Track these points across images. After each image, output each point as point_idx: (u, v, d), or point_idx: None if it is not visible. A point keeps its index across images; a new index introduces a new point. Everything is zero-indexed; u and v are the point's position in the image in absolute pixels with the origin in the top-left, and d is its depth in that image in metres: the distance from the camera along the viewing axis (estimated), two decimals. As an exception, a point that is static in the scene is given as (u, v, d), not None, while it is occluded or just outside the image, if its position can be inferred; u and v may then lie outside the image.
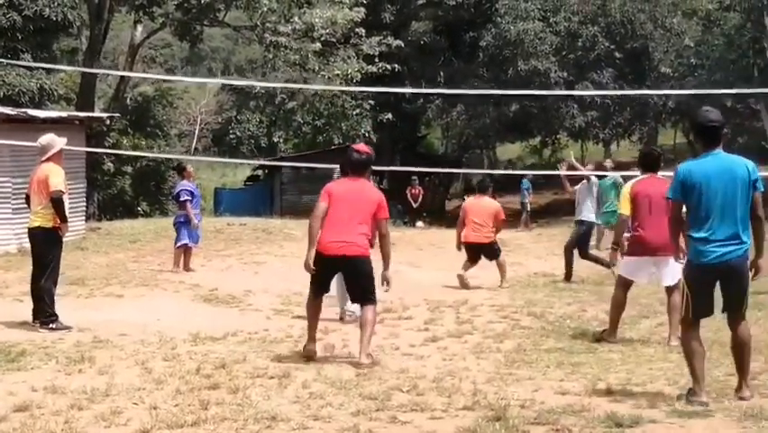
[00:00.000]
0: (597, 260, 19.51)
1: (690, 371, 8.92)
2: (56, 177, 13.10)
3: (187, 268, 19.72)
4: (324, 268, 10.89)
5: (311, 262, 10.84)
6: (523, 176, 40.77)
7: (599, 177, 23.25)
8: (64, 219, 13.25)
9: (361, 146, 11.70)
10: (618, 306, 12.58)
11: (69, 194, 21.57)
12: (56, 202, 13.06)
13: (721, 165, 8.94)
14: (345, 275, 11.20)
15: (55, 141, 13.54)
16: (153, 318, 13.88)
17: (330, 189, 11.11)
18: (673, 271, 11.97)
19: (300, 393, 9.04)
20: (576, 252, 19.32)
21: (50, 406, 8.35)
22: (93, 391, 8.90)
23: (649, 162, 12.87)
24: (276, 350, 11.30)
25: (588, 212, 19.58)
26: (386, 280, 11.21)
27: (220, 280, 18.42)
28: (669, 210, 9.46)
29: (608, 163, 26.14)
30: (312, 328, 11.07)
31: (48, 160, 13.34)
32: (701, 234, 8.87)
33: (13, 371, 10.06)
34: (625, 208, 12.46)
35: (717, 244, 8.82)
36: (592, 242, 23.41)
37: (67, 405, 8.38)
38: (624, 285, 12.63)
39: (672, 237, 9.56)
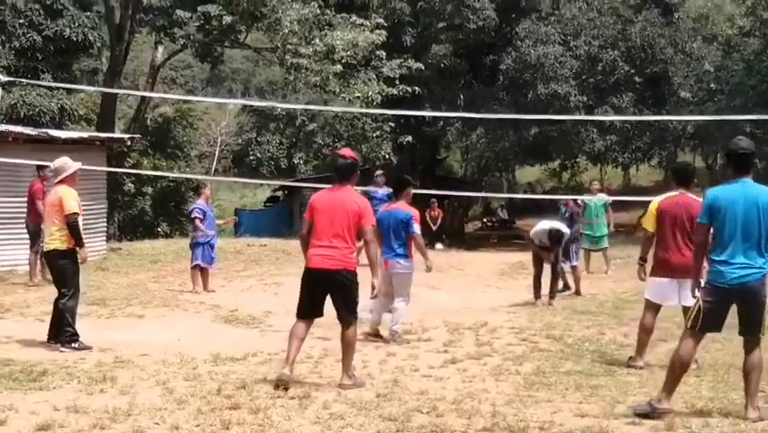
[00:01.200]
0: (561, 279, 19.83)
1: (666, 380, 9.41)
2: (70, 200, 13.19)
3: (206, 289, 19.83)
4: (310, 283, 10.79)
5: None
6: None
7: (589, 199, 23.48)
8: (81, 244, 13.34)
9: (346, 151, 11.69)
10: (646, 329, 12.43)
11: (90, 215, 21.87)
12: (72, 226, 13.16)
13: (747, 192, 9.29)
14: (329, 290, 10.81)
15: (68, 163, 13.62)
16: (174, 339, 13.95)
17: (312, 203, 11.03)
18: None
19: (321, 414, 9.10)
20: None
21: (73, 425, 8.42)
22: (115, 411, 8.97)
23: (682, 177, 12.65)
24: (296, 370, 11.32)
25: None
26: (373, 288, 11.16)
27: (240, 300, 18.49)
28: (696, 234, 9.83)
29: (596, 185, 26.34)
30: (291, 351, 10.73)
31: (61, 182, 13.44)
32: (722, 257, 9.23)
33: (35, 390, 10.14)
34: (649, 225, 12.33)
35: (737, 266, 9.16)
36: (582, 266, 23.56)
37: (89, 425, 8.45)
38: (652, 308, 12.43)
39: (696, 260, 9.87)
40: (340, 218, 10.70)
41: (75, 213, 13.16)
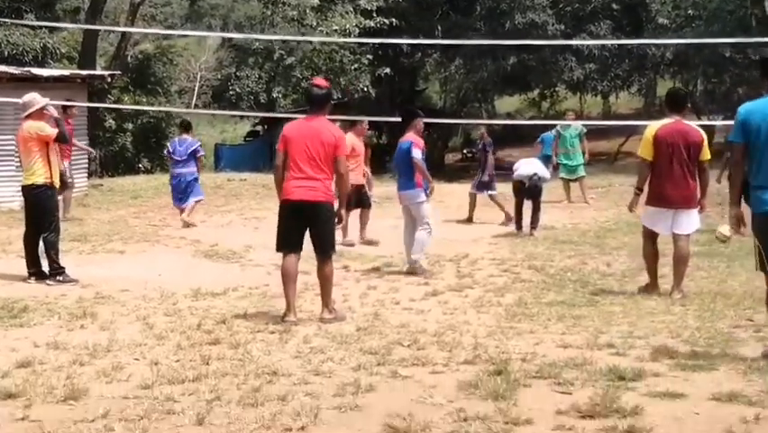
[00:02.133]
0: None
1: None
2: (45, 128, 13.26)
3: (180, 217, 20.11)
4: (289, 215, 10.67)
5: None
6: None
7: (564, 126, 23.50)
8: (65, 140, 13.83)
9: (320, 80, 11.59)
10: (650, 257, 12.34)
11: (73, 150, 21.77)
12: (61, 136, 13.38)
13: None
14: (307, 223, 10.67)
15: (36, 99, 13.59)
16: (155, 274, 13.90)
17: (286, 134, 10.78)
18: (690, 220, 11.94)
19: (301, 348, 9.05)
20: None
21: (53, 362, 8.36)
22: (95, 347, 8.91)
23: (676, 101, 12.51)
24: (277, 305, 11.26)
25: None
26: (339, 217, 11.17)
27: (220, 235, 18.43)
28: (732, 154, 9.22)
29: (571, 114, 26.32)
30: (289, 295, 10.66)
31: (28, 117, 13.37)
32: (761, 182, 8.55)
33: (15, 327, 10.09)
34: (646, 153, 12.07)
35: None
36: (563, 196, 23.75)
37: (69, 361, 8.40)
38: (649, 236, 12.36)
39: (732, 185, 9.21)
40: (316, 149, 10.52)
41: (59, 132, 13.35)
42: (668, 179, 11.91)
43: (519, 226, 18.94)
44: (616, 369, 7.86)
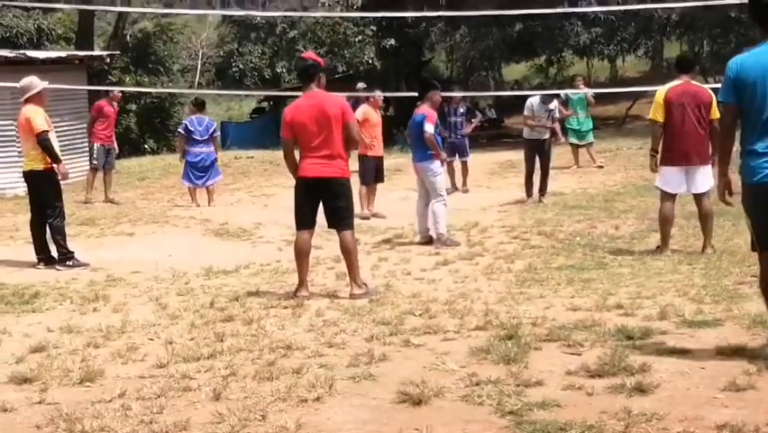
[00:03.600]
0: None
1: None
2: (37, 118, 13.14)
3: (210, 202, 20.44)
4: (306, 193, 10.64)
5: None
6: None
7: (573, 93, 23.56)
8: (57, 160, 13.31)
9: (309, 53, 11.57)
10: (667, 219, 12.43)
11: (74, 134, 21.83)
12: (43, 143, 13.12)
13: None
14: (323, 199, 10.66)
15: (34, 82, 13.54)
16: (165, 255, 13.97)
17: (290, 118, 10.62)
18: (705, 178, 12.05)
19: (314, 321, 9.11)
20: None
21: (67, 345, 8.41)
22: (108, 329, 8.97)
23: (684, 64, 12.76)
24: (289, 280, 11.34)
25: None
26: None
27: (230, 214, 18.48)
28: (721, 118, 8.24)
29: (579, 79, 26.30)
30: (302, 271, 10.72)
31: (27, 101, 13.37)
32: (758, 146, 7.03)
33: (28, 312, 10.14)
34: (658, 115, 12.24)
35: None
36: (572, 161, 23.87)
37: (83, 344, 8.44)
38: (668, 198, 12.43)
39: (721, 151, 7.75)
40: (325, 124, 10.46)
41: (44, 130, 13.12)
42: (682, 137, 12.08)
43: (530, 193, 18.98)
44: (624, 329, 7.93)
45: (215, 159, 20.72)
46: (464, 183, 21.68)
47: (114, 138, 21.54)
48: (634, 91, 39.42)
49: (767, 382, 6.41)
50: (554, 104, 19.41)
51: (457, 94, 24.67)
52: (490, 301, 9.74)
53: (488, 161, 27.46)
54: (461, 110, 22.15)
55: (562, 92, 25.32)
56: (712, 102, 12.17)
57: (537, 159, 18.96)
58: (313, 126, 10.47)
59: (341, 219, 10.75)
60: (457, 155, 21.52)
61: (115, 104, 21.70)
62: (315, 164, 10.52)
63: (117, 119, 21.93)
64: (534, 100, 19.43)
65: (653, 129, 12.50)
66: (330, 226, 10.94)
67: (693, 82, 12.53)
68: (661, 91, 12.42)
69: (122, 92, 35.03)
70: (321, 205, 10.74)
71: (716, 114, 12.10)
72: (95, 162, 20.87)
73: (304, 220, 10.74)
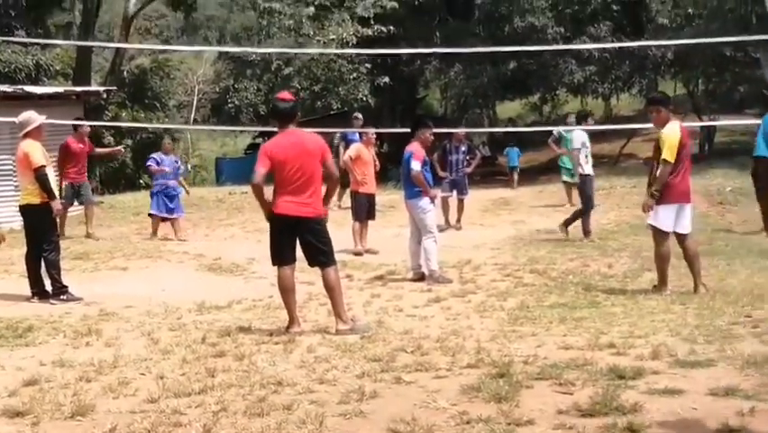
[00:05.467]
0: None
1: None
2: (36, 153, 13.19)
3: (177, 237, 20.53)
4: (281, 229, 10.62)
5: (268, 216, 10.78)
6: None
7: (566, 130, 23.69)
8: (52, 196, 13.33)
9: (285, 94, 11.55)
10: (666, 257, 12.37)
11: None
12: (40, 179, 13.15)
13: None
14: (300, 237, 10.63)
15: (32, 117, 13.59)
16: (158, 289, 14.00)
17: (270, 153, 10.59)
18: (688, 218, 12.12)
19: (305, 358, 9.10)
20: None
21: (59, 379, 8.41)
22: (100, 363, 8.96)
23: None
24: (280, 316, 11.32)
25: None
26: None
27: (223, 249, 18.53)
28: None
29: (572, 117, 26.37)
30: (291, 307, 10.71)
31: (26, 136, 13.41)
32: None
33: (21, 346, 10.13)
34: (673, 156, 12.07)
35: None
36: (565, 199, 24.00)
37: (75, 378, 8.44)
38: (665, 236, 12.32)
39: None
40: (305, 161, 10.49)
41: (42, 165, 13.17)
42: (686, 176, 12.25)
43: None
44: (616, 368, 7.91)
45: (179, 194, 21.24)
46: (458, 220, 21.71)
47: (85, 175, 21.53)
48: (628, 129, 39.60)
49: (760, 423, 6.41)
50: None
51: (461, 130, 24.78)
52: (482, 339, 9.73)
53: (481, 198, 27.52)
54: (463, 148, 22.20)
55: (555, 129, 25.48)
56: None
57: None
58: (293, 164, 10.47)
59: (320, 257, 10.72)
60: (455, 192, 21.58)
61: (87, 139, 21.62)
62: (292, 202, 10.51)
63: (90, 153, 21.86)
64: (583, 134, 19.39)
65: (664, 169, 12.10)
66: (311, 265, 10.91)
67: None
68: (676, 131, 12.22)
69: (119, 127, 35.35)
70: (299, 242, 10.73)
71: None
72: (62, 201, 20.75)
73: (283, 256, 10.72)
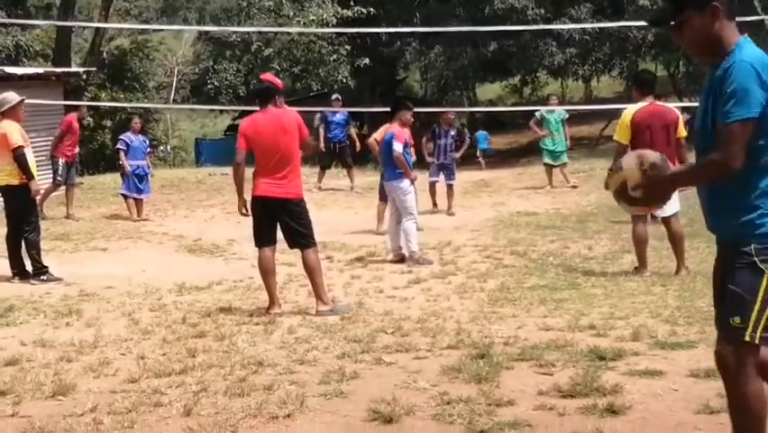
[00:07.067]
0: None
1: None
2: (14, 133, 13.15)
3: (139, 215, 20.72)
4: (262, 211, 10.68)
5: (242, 209, 11.00)
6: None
7: (548, 111, 23.66)
8: (30, 176, 13.28)
9: (267, 75, 11.56)
10: (641, 240, 12.36)
11: (49, 150, 21.77)
12: (19, 159, 13.11)
13: None
14: (280, 219, 10.73)
15: (9, 97, 13.53)
16: (138, 270, 13.98)
17: (246, 133, 10.74)
18: (672, 201, 12.04)
19: (286, 338, 9.13)
20: None
21: (40, 359, 8.42)
22: (81, 344, 8.98)
23: (644, 83, 12.77)
24: (261, 297, 11.32)
25: None
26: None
27: (203, 230, 18.51)
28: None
29: (554, 99, 26.32)
30: (271, 288, 10.75)
31: (4, 116, 13.36)
32: None
33: (2, 326, 10.16)
34: (622, 137, 12.16)
35: None
36: (545, 181, 23.97)
37: (56, 358, 8.45)
38: (638, 218, 12.25)
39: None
40: (281, 138, 10.57)
41: (20, 146, 13.12)
42: None
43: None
44: (596, 349, 7.95)
45: (148, 174, 21.36)
46: (449, 206, 21.49)
47: (76, 154, 21.67)
48: (608, 111, 39.60)
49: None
50: None
51: (451, 109, 24.70)
52: (463, 320, 9.76)
53: (461, 180, 27.44)
54: (452, 132, 22.05)
55: (536, 110, 25.50)
56: (678, 121, 12.33)
57: None
58: (270, 140, 10.56)
59: (300, 239, 10.76)
60: (443, 177, 21.43)
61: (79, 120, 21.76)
62: (271, 184, 10.59)
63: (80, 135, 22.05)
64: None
65: (618, 150, 12.16)
66: (291, 247, 10.98)
67: (659, 103, 12.59)
68: (628, 112, 12.33)
69: (97, 107, 35.23)
70: (279, 225, 10.78)
71: (682, 132, 12.20)
72: (59, 179, 20.75)
73: (263, 238, 10.79)
